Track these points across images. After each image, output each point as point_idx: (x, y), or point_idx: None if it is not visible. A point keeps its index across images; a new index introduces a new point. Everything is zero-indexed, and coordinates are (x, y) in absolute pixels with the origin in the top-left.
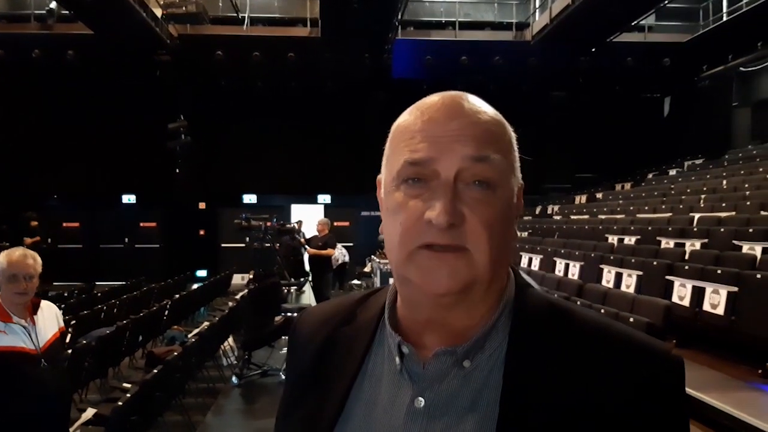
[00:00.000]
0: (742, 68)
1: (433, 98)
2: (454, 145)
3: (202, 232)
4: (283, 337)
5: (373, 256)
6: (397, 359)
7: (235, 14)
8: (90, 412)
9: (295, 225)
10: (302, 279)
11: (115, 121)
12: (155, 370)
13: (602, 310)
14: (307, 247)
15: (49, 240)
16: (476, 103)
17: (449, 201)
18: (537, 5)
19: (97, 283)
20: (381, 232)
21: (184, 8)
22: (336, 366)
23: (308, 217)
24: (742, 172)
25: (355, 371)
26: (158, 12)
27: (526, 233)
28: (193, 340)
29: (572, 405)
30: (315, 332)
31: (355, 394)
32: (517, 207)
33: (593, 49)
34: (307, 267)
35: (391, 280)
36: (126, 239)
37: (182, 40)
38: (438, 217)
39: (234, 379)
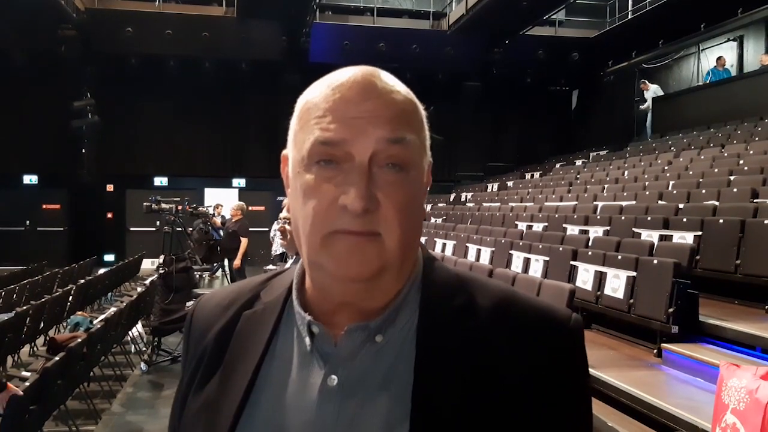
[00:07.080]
0: (644, 65)
1: (344, 74)
2: (368, 127)
3: (109, 215)
4: None
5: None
6: (307, 339)
7: None
8: None
9: (209, 209)
10: (215, 264)
11: (15, 97)
12: (57, 358)
13: None
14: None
15: None
16: (389, 81)
17: (365, 186)
18: None
19: None
20: (286, 209)
21: None
22: (240, 350)
23: (221, 201)
24: (642, 163)
25: (261, 354)
26: None
27: (441, 219)
28: (99, 326)
29: (482, 372)
30: (216, 317)
31: (263, 377)
32: (426, 184)
33: (506, 41)
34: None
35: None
36: (27, 222)
37: (89, 15)
38: (353, 203)
39: (143, 365)
